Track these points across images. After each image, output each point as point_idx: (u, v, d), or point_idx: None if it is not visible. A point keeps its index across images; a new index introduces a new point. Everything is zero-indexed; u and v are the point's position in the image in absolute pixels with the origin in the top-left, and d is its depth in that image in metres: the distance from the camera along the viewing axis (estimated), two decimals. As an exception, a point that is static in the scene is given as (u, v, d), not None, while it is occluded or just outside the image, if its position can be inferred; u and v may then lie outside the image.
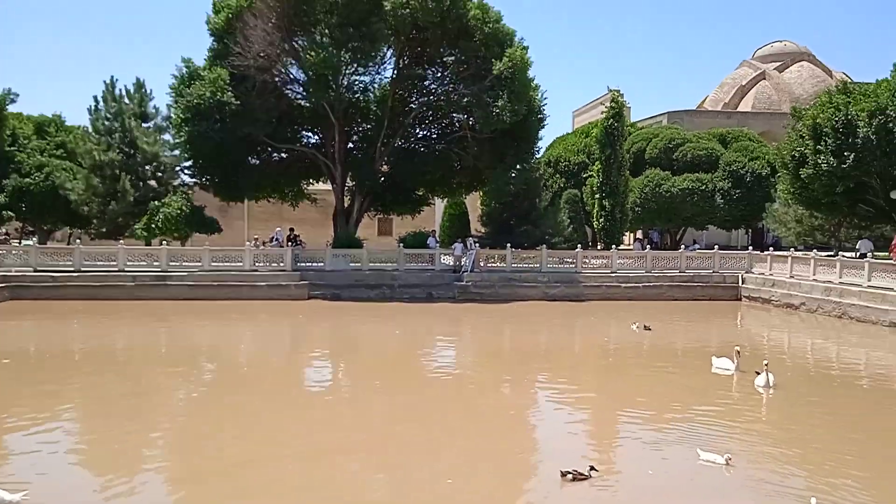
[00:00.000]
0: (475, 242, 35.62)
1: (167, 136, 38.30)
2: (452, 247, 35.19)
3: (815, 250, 35.83)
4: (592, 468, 10.06)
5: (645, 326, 24.26)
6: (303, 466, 10.63)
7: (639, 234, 60.72)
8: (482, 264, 34.66)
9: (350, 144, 39.09)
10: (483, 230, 40.80)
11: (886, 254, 33.57)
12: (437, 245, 37.13)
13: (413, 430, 12.61)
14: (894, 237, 34.24)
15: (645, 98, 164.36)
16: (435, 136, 40.21)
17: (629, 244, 49.63)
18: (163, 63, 65.04)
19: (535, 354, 21.79)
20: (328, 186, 40.15)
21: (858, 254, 34.02)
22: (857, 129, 31.13)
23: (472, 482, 10.20)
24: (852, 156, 31.19)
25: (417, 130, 40.35)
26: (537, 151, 40.08)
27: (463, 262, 34.30)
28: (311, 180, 41.42)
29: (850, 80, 41.38)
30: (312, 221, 48.37)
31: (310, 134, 39.89)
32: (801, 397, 15.98)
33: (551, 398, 16.05)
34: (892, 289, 25.98)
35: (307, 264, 33.79)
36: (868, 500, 9.59)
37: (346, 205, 38.71)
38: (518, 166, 36.65)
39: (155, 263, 32.04)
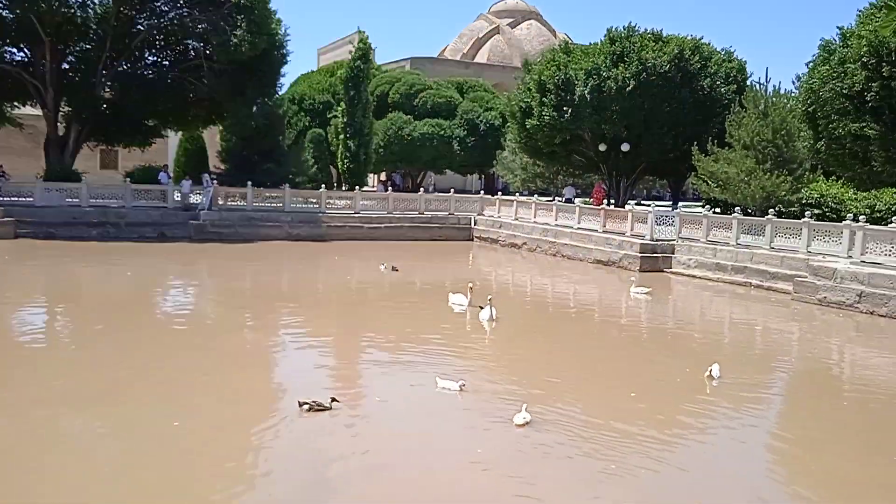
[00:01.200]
0: (212, 179, 33.82)
1: None
2: (180, 183, 33.05)
3: (536, 195, 39.43)
4: (333, 399, 10.13)
5: (392, 268, 24.60)
6: (13, 423, 9.40)
7: (382, 177, 62.06)
8: (221, 202, 33.09)
9: (65, 65, 34.50)
10: (223, 167, 38.90)
11: (590, 199, 38.05)
12: (170, 181, 34.65)
13: (144, 376, 11.77)
14: (595, 185, 39.02)
15: (389, 42, 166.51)
16: (167, 63, 36.98)
17: (373, 186, 50.57)
18: None
19: (277, 294, 21.44)
20: (39, 111, 35.23)
21: (564, 199, 37.98)
22: (575, 86, 34.47)
23: (205, 420, 9.83)
24: (570, 111, 34.58)
25: (147, 55, 36.79)
26: (280, 87, 38.72)
27: (201, 200, 32.47)
28: (16, 103, 35.95)
29: (570, 41, 45.58)
30: (19, 150, 42.44)
31: (14, 50, 34.39)
32: (521, 326, 17.67)
33: (294, 336, 15.92)
34: (596, 230, 29.59)
35: (12, 198, 29.68)
36: (571, 401, 11.06)
37: (60, 133, 34.31)
38: (259, 101, 35.16)
39: None
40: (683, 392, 11.83)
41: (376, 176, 62.20)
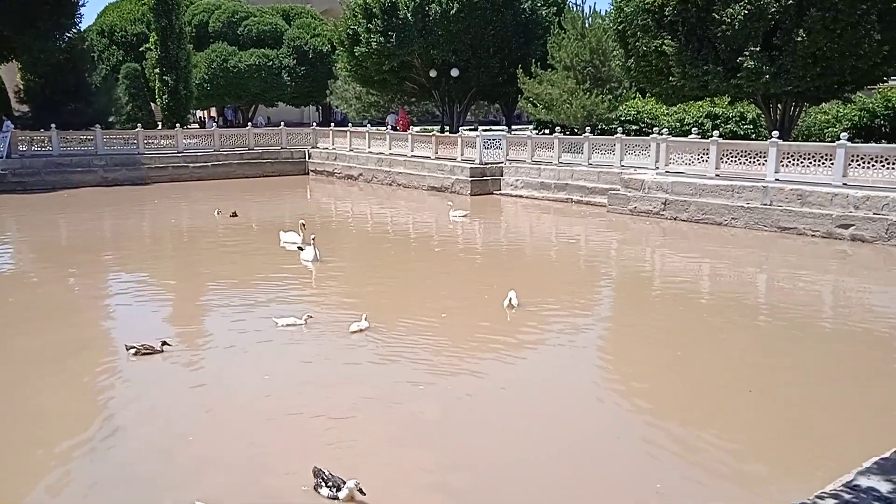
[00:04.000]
0: (9, 124, 30.47)
1: None
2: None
3: (369, 125, 38.88)
4: (164, 343, 9.99)
5: (232, 213, 22.62)
6: None
7: (213, 112, 58.87)
8: (24, 149, 30.02)
9: None
10: (25, 108, 35.27)
11: (426, 127, 38.13)
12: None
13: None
14: (399, 111, 39.48)
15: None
16: (-61, -9, 32.31)
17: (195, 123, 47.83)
18: None
19: (99, 244, 19.77)
20: None
21: (389, 127, 37.61)
22: (398, 10, 33.84)
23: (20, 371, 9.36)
24: (396, 36, 34.02)
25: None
26: (80, 18, 35.00)
27: (-6, 148, 29.29)
28: None
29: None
30: None
31: None
32: (348, 259, 17.60)
33: (122, 284, 15.09)
34: (429, 157, 29.74)
35: None
36: (402, 314, 11.72)
37: None
38: (56, 34, 31.73)
39: None
40: (489, 310, 12.15)
41: (206, 112, 58.96)
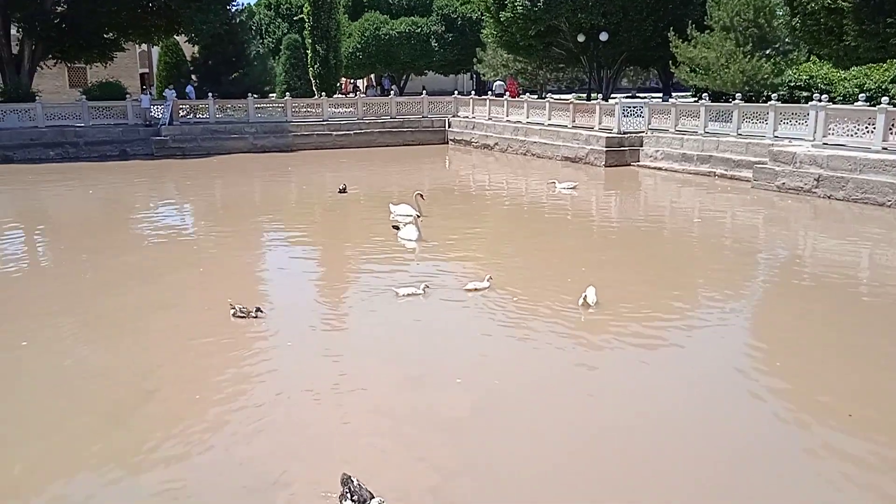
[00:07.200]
0: (172, 93, 32.74)
1: None
2: (139, 98, 32.04)
3: (526, 93, 37.80)
4: (259, 309, 10.19)
5: (341, 189, 21.38)
6: None
7: (373, 80, 60.33)
8: (188, 115, 32.18)
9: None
10: (194, 78, 37.85)
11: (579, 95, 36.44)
12: (148, 97, 33.38)
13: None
14: (508, 79, 37.83)
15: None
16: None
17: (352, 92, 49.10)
18: None
19: (247, 206, 20.60)
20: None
21: (495, 94, 36.03)
22: (546, -28, 32.44)
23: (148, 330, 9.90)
24: (543, 0, 32.69)
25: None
26: (238, -10, 36.92)
27: (161, 115, 31.57)
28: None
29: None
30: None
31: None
32: (461, 234, 16.22)
33: (270, 246, 15.79)
34: (565, 126, 28.36)
35: (-34, 123, 28.99)
36: (523, 274, 12.43)
37: (13, 52, 33.13)
38: (218, 8, 33.50)
39: None
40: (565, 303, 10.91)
41: (363, 81, 60.57)
